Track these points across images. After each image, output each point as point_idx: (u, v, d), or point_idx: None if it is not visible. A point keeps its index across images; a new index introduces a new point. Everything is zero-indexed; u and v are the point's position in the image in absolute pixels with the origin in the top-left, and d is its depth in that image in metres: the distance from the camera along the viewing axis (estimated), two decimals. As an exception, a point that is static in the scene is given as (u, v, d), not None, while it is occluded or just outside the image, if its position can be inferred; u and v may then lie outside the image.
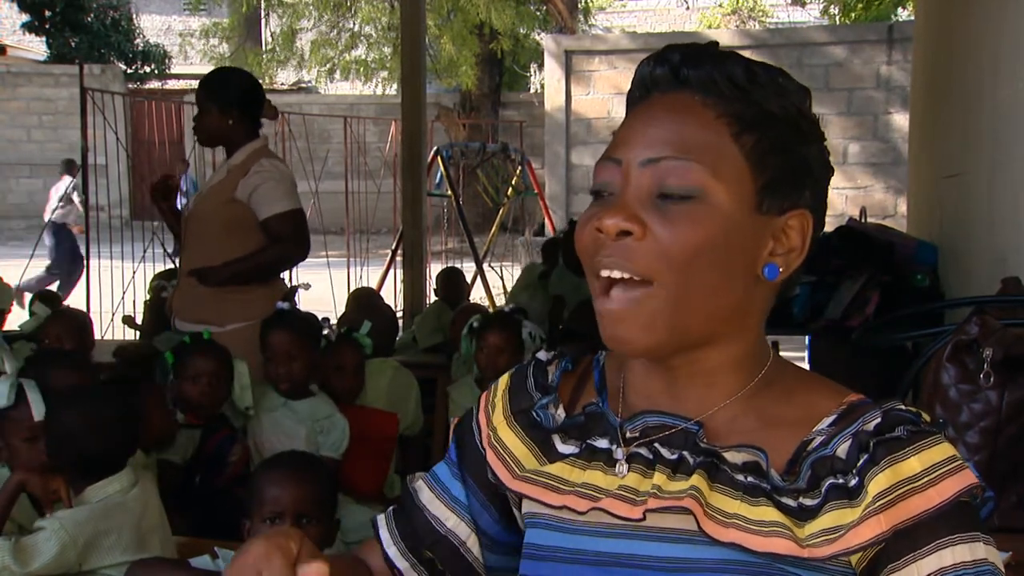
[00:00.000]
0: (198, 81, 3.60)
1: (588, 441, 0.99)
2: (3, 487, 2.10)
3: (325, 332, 3.32)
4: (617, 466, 0.96)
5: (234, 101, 3.42)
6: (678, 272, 0.90)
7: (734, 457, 0.92)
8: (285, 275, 3.75)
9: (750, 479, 0.91)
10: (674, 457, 0.94)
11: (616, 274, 0.91)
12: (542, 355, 1.11)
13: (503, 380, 1.11)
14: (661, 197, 0.91)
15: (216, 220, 3.41)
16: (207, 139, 3.53)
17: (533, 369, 1.09)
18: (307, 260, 3.68)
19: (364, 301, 4.79)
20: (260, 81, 3.98)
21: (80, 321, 3.66)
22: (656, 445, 0.95)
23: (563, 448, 1.00)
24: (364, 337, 3.38)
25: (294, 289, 3.64)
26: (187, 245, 3.52)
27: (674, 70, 0.95)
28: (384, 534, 1.12)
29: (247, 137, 3.46)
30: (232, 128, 3.43)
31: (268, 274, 3.49)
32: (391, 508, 1.15)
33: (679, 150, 0.91)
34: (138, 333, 4.92)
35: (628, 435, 0.97)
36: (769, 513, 0.89)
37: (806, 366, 4.19)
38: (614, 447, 0.97)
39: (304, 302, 3.74)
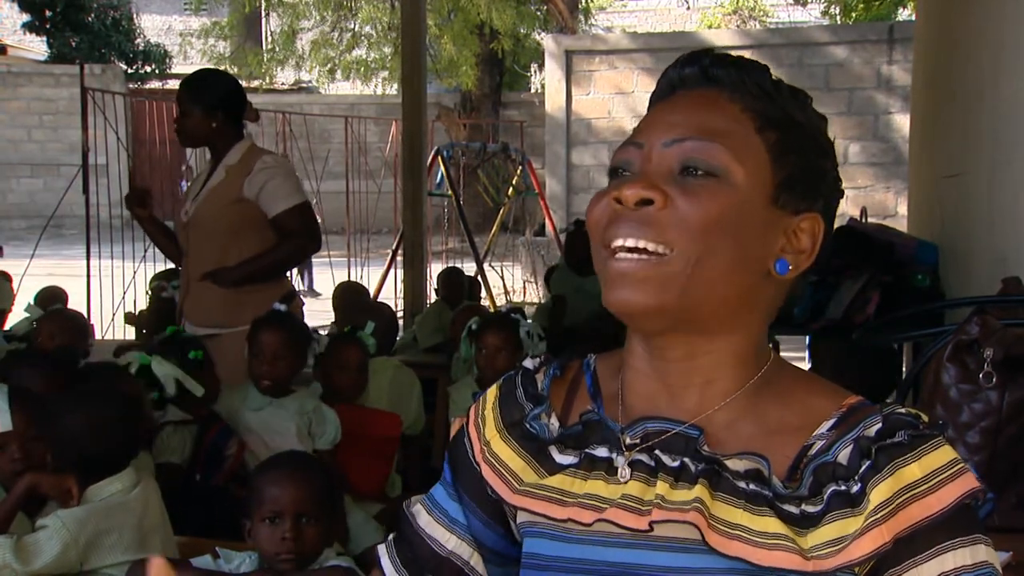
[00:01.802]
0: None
1: (587, 450, 0.98)
2: (13, 488, 2.10)
3: (314, 339, 3.31)
4: (619, 472, 0.95)
5: (218, 103, 3.42)
6: (695, 242, 0.90)
7: (736, 465, 0.92)
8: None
9: (752, 487, 0.91)
10: (676, 464, 0.93)
11: (631, 243, 0.91)
12: (529, 363, 1.08)
13: (491, 392, 1.08)
14: (683, 173, 0.92)
15: (223, 221, 3.41)
16: (191, 141, 3.53)
17: (521, 378, 1.07)
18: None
19: (350, 298, 4.84)
20: (260, 81, 4.00)
21: (75, 322, 3.59)
22: (657, 452, 0.94)
23: (561, 459, 0.99)
24: (368, 336, 3.39)
25: (293, 294, 3.64)
26: (191, 250, 3.51)
27: (703, 70, 0.97)
28: (386, 563, 1.10)
29: (234, 138, 3.47)
30: (216, 130, 3.43)
31: (284, 269, 3.57)
32: (391, 536, 1.12)
33: (703, 132, 0.93)
34: (138, 333, 4.93)
35: (628, 441, 0.96)
36: (772, 524, 0.89)
37: (806, 366, 4.19)
38: (614, 455, 0.96)
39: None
